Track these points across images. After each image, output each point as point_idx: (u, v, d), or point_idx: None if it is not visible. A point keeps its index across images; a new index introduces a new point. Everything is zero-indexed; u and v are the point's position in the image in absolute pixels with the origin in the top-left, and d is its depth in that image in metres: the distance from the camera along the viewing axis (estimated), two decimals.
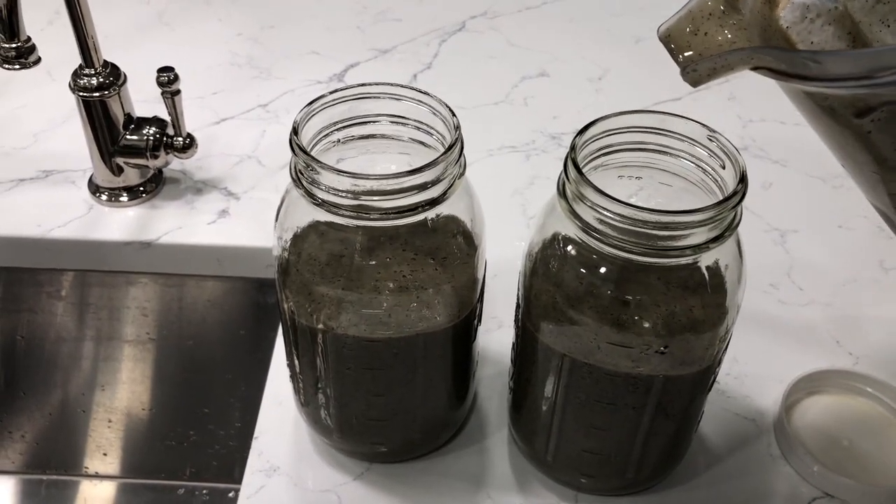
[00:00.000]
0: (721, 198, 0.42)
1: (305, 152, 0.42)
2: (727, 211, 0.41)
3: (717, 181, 0.45)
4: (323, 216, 0.45)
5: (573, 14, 0.99)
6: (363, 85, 0.46)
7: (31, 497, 0.83)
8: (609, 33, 0.96)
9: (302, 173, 0.43)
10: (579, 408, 0.47)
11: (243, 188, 0.74)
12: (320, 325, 0.46)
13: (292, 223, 0.47)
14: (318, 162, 0.42)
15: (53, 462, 0.83)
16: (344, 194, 0.42)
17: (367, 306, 0.45)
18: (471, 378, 0.54)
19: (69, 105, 0.69)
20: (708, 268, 0.44)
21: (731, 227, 0.42)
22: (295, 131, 0.43)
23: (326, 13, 0.97)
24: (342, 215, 0.42)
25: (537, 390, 0.49)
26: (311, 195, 0.43)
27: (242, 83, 0.86)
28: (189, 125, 0.71)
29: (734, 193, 0.41)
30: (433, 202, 0.43)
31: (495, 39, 0.95)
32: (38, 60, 0.56)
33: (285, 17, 0.96)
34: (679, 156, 0.46)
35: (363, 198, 0.42)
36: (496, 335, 0.63)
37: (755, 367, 0.61)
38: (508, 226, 0.70)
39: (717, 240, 0.42)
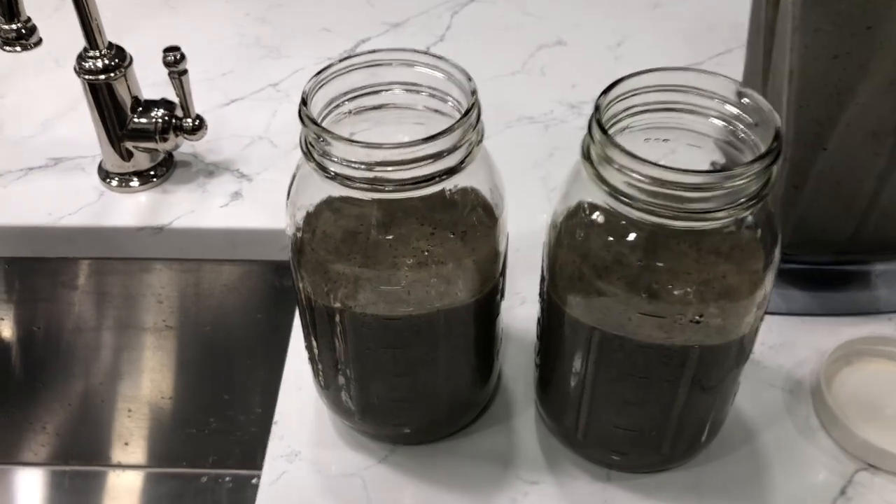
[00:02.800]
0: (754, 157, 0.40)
1: (315, 122, 0.40)
2: (762, 170, 0.39)
3: (748, 141, 0.42)
4: (336, 191, 0.43)
5: None
6: (374, 52, 0.44)
7: (55, 488, 0.82)
8: (625, 0, 0.93)
9: (313, 146, 0.41)
10: (610, 383, 0.45)
11: (255, 170, 0.72)
12: (338, 305, 0.45)
13: (305, 201, 0.45)
14: (329, 132, 0.40)
15: (75, 453, 0.82)
16: (357, 165, 0.40)
17: (385, 283, 0.44)
18: (495, 355, 0.52)
19: (77, 92, 0.67)
20: (741, 232, 0.42)
21: (767, 188, 0.40)
22: (304, 102, 0.41)
23: None
24: (356, 188, 0.40)
25: (565, 366, 0.47)
26: (323, 168, 0.41)
27: (251, 63, 0.84)
28: (198, 107, 0.69)
29: (769, 151, 0.39)
30: (451, 171, 0.41)
31: (509, 9, 0.92)
32: (40, 42, 0.55)
33: None
34: (708, 115, 0.43)
35: (377, 169, 0.40)
36: (519, 311, 0.61)
37: (790, 336, 0.59)
38: (529, 199, 0.68)
39: (752, 201, 0.39)
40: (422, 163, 0.40)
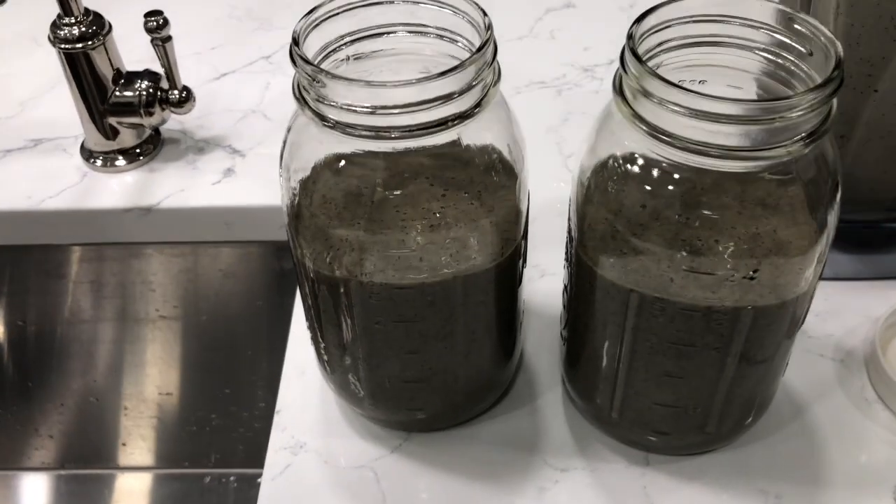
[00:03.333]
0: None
1: (309, 62, 0.35)
2: (822, 101, 0.34)
3: (799, 75, 0.37)
4: (335, 148, 0.39)
5: None
6: None
7: (51, 494, 0.78)
8: None
9: (307, 90, 0.36)
10: (650, 353, 0.40)
11: (249, 144, 0.67)
12: (342, 274, 0.40)
13: (300, 164, 0.40)
14: (325, 72, 0.35)
15: (71, 456, 0.78)
16: (358, 109, 0.35)
17: (393, 248, 0.39)
18: (517, 329, 0.47)
19: (57, 71, 0.63)
20: (792, 182, 0.37)
21: (826, 123, 0.35)
22: (295, 42, 0.36)
23: None
24: (358, 135, 0.35)
25: (597, 337, 0.42)
26: (320, 116, 0.36)
27: (242, 36, 0.80)
28: (187, 82, 0.64)
29: (831, 79, 0.34)
30: (464, 116, 0.36)
31: None
32: (3, 2, 0.50)
33: None
34: (752, 47, 0.38)
35: (381, 112, 0.35)
36: (539, 285, 0.56)
37: (837, 302, 0.54)
38: (545, 166, 0.63)
39: (810, 138, 0.34)
40: (431, 104, 0.35)
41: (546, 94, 0.71)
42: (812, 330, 0.52)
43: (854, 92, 0.47)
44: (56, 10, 0.60)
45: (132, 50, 0.65)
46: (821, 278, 0.54)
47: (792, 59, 0.37)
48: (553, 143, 0.67)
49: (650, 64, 0.38)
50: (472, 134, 0.39)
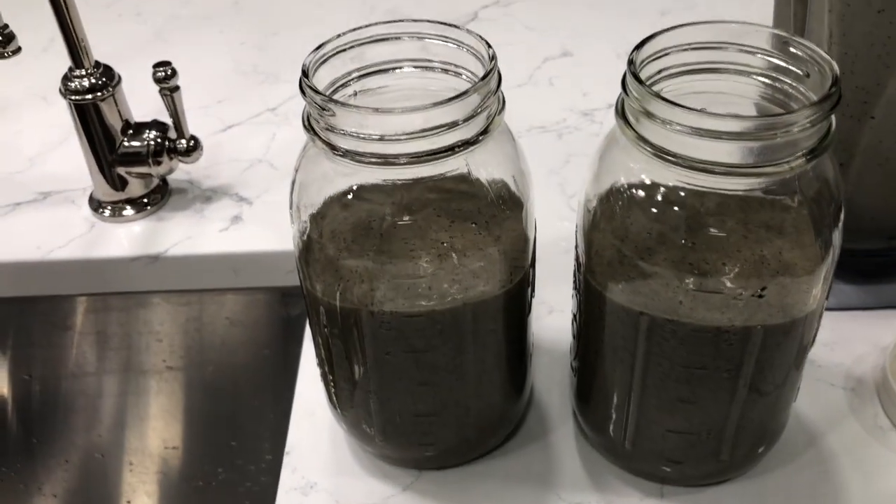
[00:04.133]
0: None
1: (318, 91, 0.36)
2: (821, 117, 0.34)
3: (797, 97, 0.38)
4: (342, 182, 0.39)
5: None
6: (377, 24, 0.40)
7: None
8: (631, 10, 0.90)
9: (317, 120, 0.37)
10: (662, 378, 0.40)
11: (256, 192, 0.68)
12: (352, 305, 0.40)
13: (309, 200, 0.41)
14: (335, 101, 0.36)
15: None
16: (366, 136, 0.35)
17: (402, 276, 0.39)
18: (528, 360, 0.47)
19: (67, 127, 0.64)
20: (794, 203, 0.38)
21: (827, 139, 0.36)
22: (305, 74, 0.37)
23: (331, 16, 0.92)
24: (367, 163, 0.36)
25: (608, 364, 0.42)
26: (330, 146, 0.37)
27: (248, 89, 0.81)
28: (194, 134, 0.65)
29: (829, 95, 0.35)
30: (469, 143, 0.37)
31: (511, 25, 0.89)
32: (18, 50, 0.51)
33: (289, 24, 0.91)
34: (750, 72, 0.39)
35: (389, 139, 0.35)
36: (548, 321, 0.56)
37: (844, 331, 0.54)
38: (549, 205, 0.64)
39: (811, 154, 0.35)
40: (437, 131, 0.36)
41: (547, 138, 0.73)
42: (820, 359, 0.52)
43: (851, 120, 0.48)
44: (65, 66, 0.61)
45: (140, 102, 0.67)
46: (826, 308, 0.54)
47: (789, 81, 0.38)
48: (556, 183, 0.67)
49: None
50: (478, 162, 0.39)
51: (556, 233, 0.61)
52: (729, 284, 0.37)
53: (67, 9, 0.57)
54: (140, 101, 0.67)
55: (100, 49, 0.63)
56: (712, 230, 0.38)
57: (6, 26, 0.51)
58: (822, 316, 0.41)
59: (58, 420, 0.76)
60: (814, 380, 0.51)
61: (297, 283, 0.43)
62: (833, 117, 0.36)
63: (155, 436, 0.77)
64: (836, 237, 0.38)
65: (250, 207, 0.67)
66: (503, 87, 0.39)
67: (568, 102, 0.76)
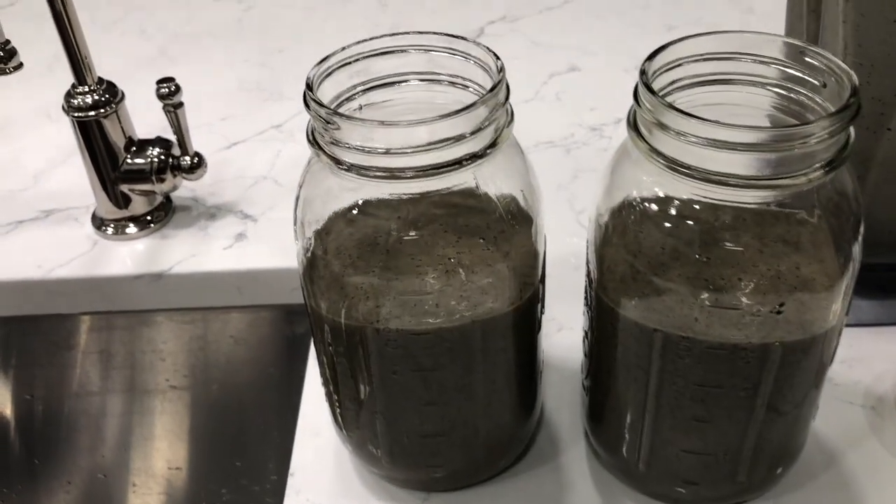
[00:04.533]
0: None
1: (323, 105, 0.35)
2: (839, 127, 0.33)
3: (813, 108, 0.37)
4: (347, 197, 0.38)
5: (598, 11, 0.93)
6: (382, 37, 0.40)
7: None
8: (639, 25, 0.90)
9: (322, 134, 0.36)
10: (677, 397, 0.39)
11: (260, 209, 0.67)
12: (358, 322, 0.39)
13: (313, 216, 0.40)
14: (340, 114, 0.35)
15: None
16: (372, 150, 0.34)
17: (409, 293, 0.38)
18: (538, 378, 0.46)
19: (69, 145, 0.63)
20: (809, 218, 0.37)
21: (845, 151, 0.35)
22: (309, 87, 0.37)
23: (335, 33, 0.92)
24: (373, 177, 0.35)
25: (622, 383, 0.41)
26: (335, 160, 0.36)
27: (253, 106, 0.81)
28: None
29: (847, 106, 0.34)
30: (476, 156, 0.36)
31: (517, 41, 0.89)
32: (20, 66, 0.51)
33: (292, 41, 0.91)
34: (764, 83, 0.38)
35: (395, 152, 0.34)
36: (557, 339, 0.55)
37: (862, 349, 0.52)
38: (557, 221, 0.63)
39: (829, 165, 0.34)
40: (445, 144, 0.35)
41: (555, 153, 0.72)
42: (838, 377, 0.51)
43: (867, 132, 0.47)
44: (69, 83, 0.61)
45: (144, 119, 0.66)
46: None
47: (805, 92, 0.37)
48: (564, 199, 0.66)
49: None
50: (487, 176, 0.38)
51: (564, 249, 0.60)
52: (746, 300, 0.36)
53: (71, 25, 0.56)
54: (143, 118, 0.66)
55: (103, 66, 0.63)
56: (727, 245, 0.37)
57: (8, 42, 0.50)
58: (841, 333, 0.40)
59: (60, 441, 0.75)
60: (832, 398, 0.50)
61: (302, 300, 0.42)
62: (851, 128, 0.35)
63: (159, 456, 0.76)
64: (857, 251, 0.37)
65: (255, 225, 0.66)
66: (511, 102, 0.38)
67: (575, 117, 0.76)
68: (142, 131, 0.65)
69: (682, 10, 0.91)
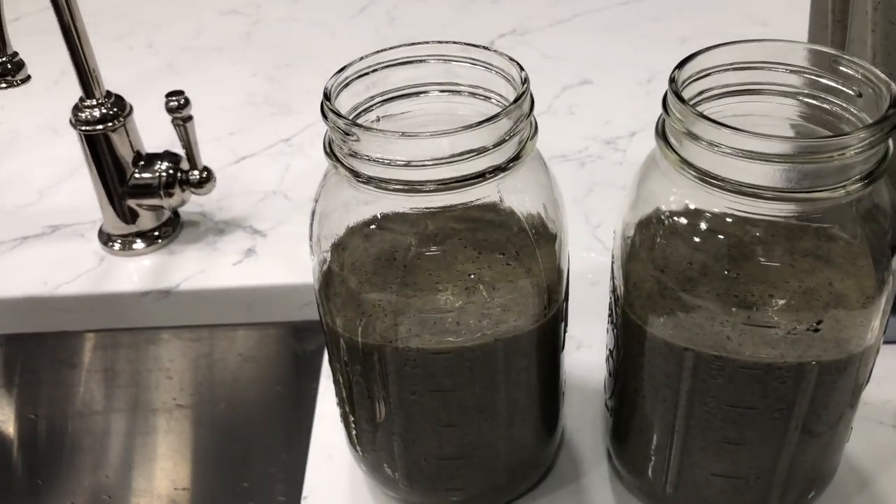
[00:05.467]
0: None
1: (341, 115, 0.34)
2: (879, 138, 0.32)
3: (847, 119, 0.36)
4: (364, 212, 0.37)
5: (609, 24, 0.92)
6: (400, 47, 0.38)
7: None
8: (651, 37, 0.89)
9: (340, 147, 0.35)
10: (708, 419, 0.38)
11: (270, 224, 0.66)
12: (375, 341, 0.38)
13: (329, 231, 0.39)
14: (359, 125, 0.34)
15: None
16: (391, 162, 0.33)
17: (428, 310, 0.37)
18: (560, 398, 0.44)
19: (76, 160, 0.62)
20: (846, 229, 0.35)
21: (884, 163, 0.33)
22: (327, 97, 0.35)
23: (344, 47, 0.91)
24: (393, 190, 0.34)
25: (649, 403, 0.40)
26: (353, 172, 0.35)
27: (261, 121, 0.80)
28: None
29: (887, 116, 0.32)
30: (500, 169, 0.35)
31: (528, 54, 0.87)
32: (28, 79, 0.50)
33: (300, 55, 0.90)
34: (796, 94, 0.37)
35: (416, 164, 0.33)
36: (576, 357, 0.53)
37: (891, 367, 0.51)
38: (574, 236, 0.60)
39: (869, 178, 0.33)
40: (467, 156, 0.33)
41: (569, 167, 0.70)
42: (868, 396, 0.49)
43: None
44: (76, 98, 0.60)
45: (152, 134, 0.65)
46: None
47: (839, 102, 0.36)
48: (580, 213, 0.65)
49: None
50: (510, 190, 0.37)
51: (581, 264, 0.59)
52: (782, 318, 0.34)
53: (79, 37, 0.56)
54: (151, 133, 0.65)
55: (111, 80, 0.62)
56: (759, 259, 0.35)
57: (16, 54, 0.49)
58: (878, 351, 0.38)
59: (64, 460, 0.73)
60: (863, 418, 0.48)
61: (312, 317, 0.41)
62: (890, 140, 0.34)
63: (164, 476, 0.74)
64: (895, 265, 0.36)
65: (264, 240, 0.65)
66: None
67: (589, 131, 0.74)
68: (150, 145, 0.64)
69: (695, 22, 0.90)
